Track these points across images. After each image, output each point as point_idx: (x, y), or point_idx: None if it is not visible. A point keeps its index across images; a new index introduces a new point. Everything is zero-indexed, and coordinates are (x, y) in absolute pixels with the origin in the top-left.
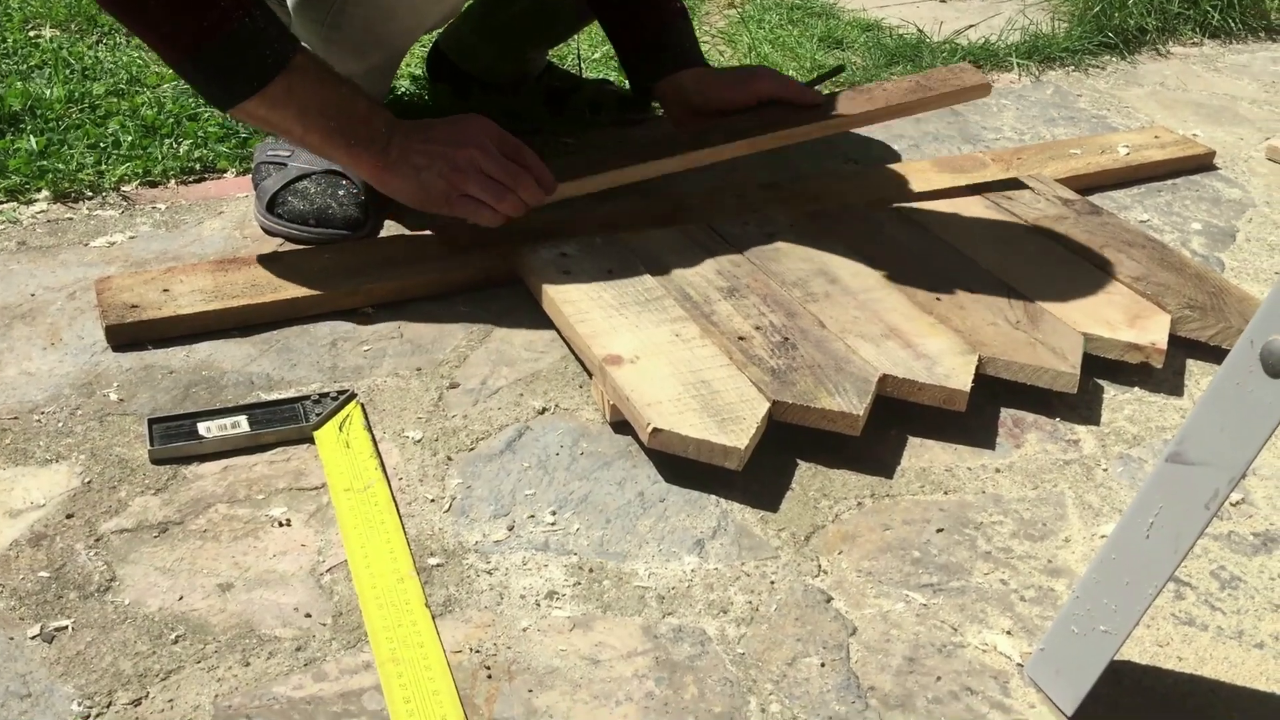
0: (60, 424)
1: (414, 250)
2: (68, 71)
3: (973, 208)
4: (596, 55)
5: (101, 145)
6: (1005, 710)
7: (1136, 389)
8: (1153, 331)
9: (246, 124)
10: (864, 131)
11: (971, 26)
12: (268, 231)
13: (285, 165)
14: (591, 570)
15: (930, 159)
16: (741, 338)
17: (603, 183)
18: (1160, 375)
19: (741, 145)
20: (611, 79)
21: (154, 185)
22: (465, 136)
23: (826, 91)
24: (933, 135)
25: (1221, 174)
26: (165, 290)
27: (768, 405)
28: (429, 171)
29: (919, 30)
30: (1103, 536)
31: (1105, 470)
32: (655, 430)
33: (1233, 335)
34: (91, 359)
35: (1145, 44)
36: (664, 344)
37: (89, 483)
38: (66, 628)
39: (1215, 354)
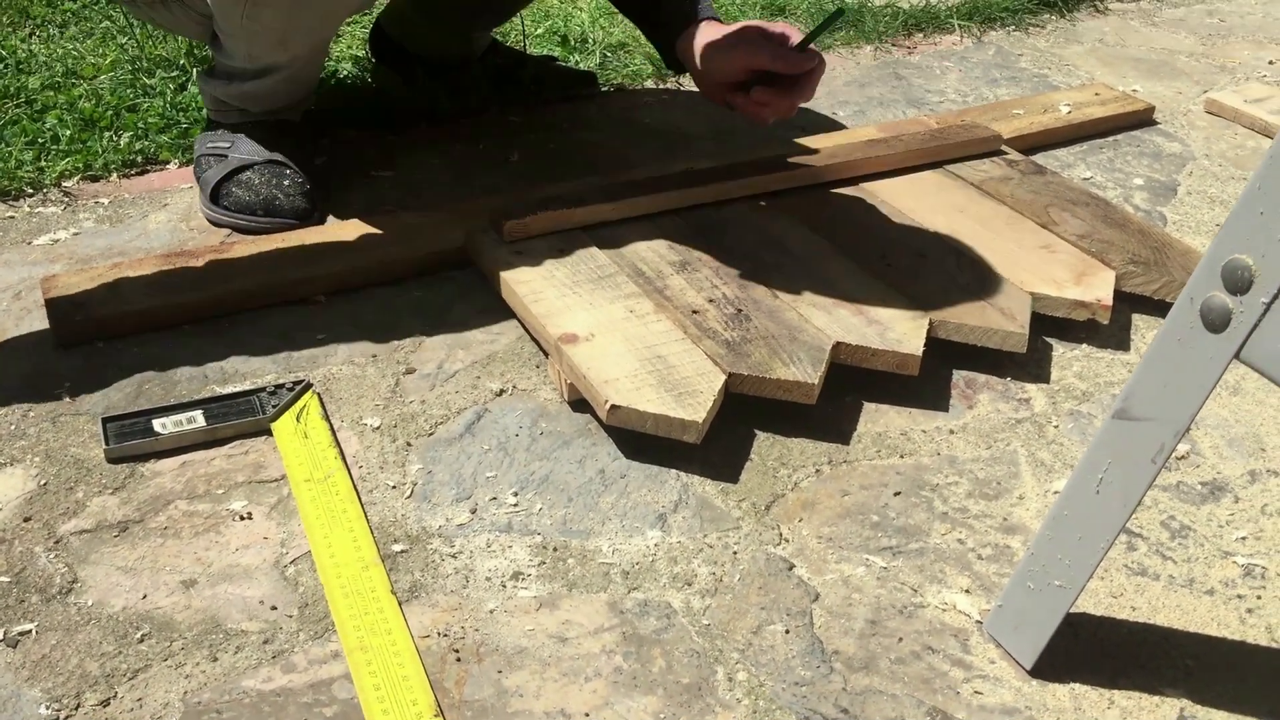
0: (13, 426)
1: (364, 236)
2: (1, 66)
3: (920, 172)
4: (539, 31)
5: (40, 141)
6: (966, 667)
7: (1084, 345)
8: (1098, 288)
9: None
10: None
11: None
12: (214, 223)
13: (226, 156)
14: (555, 549)
15: (875, 124)
16: (695, 311)
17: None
18: (1107, 331)
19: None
20: (556, 55)
21: (95, 180)
22: None
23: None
24: (877, 100)
25: (1162, 128)
26: (112, 286)
27: (724, 378)
28: None
29: None
30: (1056, 492)
31: (1056, 427)
32: (613, 407)
33: (1176, 289)
34: (41, 359)
35: (1084, 1)
36: (619, 320)
37: (45, 485)
38: (30, 631)
39: (1160, 308)
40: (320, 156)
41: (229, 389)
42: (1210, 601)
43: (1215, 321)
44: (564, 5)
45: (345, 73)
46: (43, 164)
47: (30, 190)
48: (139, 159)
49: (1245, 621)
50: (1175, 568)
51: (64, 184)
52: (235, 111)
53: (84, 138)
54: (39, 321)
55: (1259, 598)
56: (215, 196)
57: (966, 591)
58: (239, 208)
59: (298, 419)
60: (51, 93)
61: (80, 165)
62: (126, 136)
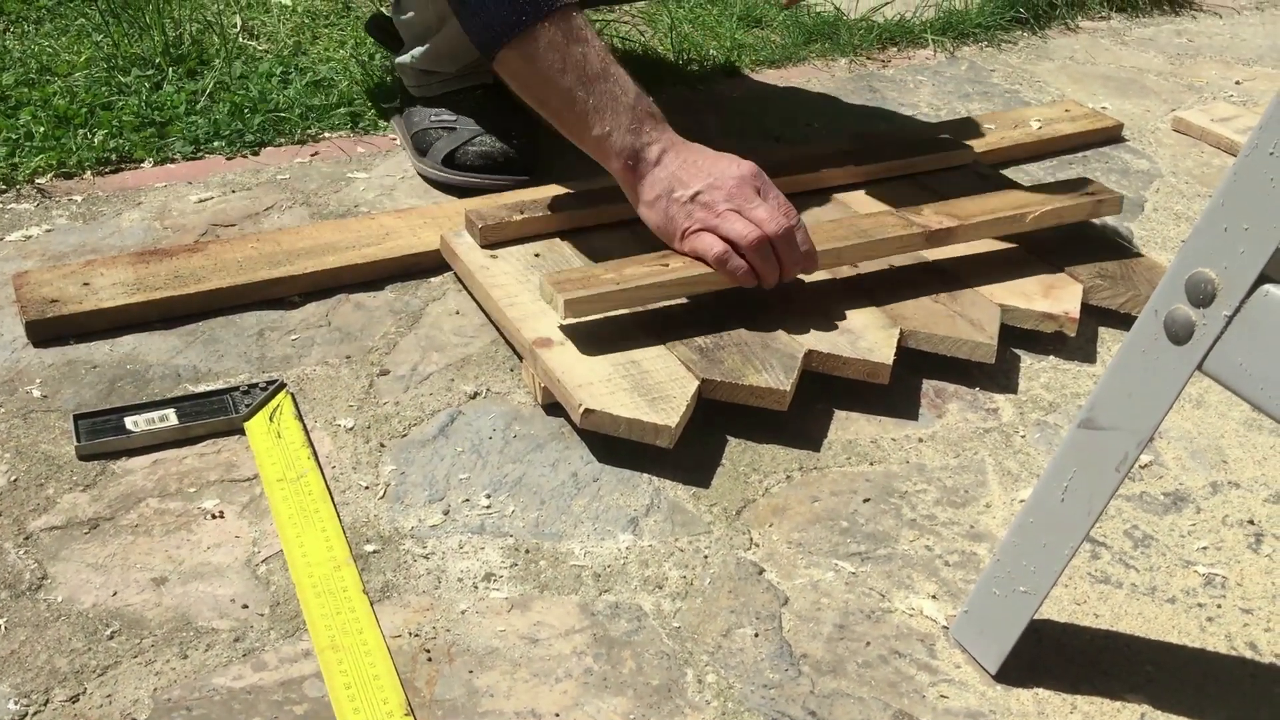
0: None
1: (340, 237)
2: None
3: (893, 183)
4: None
5: (13, 137)
6: (932, 671)
7: (1052, 357)
8: (1066, 301)
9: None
10: (779, 109)
11: (888, 3)
12: (446, 184)
13: (455, 129)
14: (528, 551)
15: (850, 136)
16: (669, 317)
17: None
18: (1074, 343)
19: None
20: None
21: (69, 177)
22: (740, 173)
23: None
24: (851, 114)
25: (1130, 145)
26: (86, 284)
27: (697, 383)
28: (683, 193)
29: (836, 7)
30: (1022, 501)
31: (1023, 437)
32: (587, 411)
33: (1142, 303)
34: (12, 355)
35: (1055, 18)
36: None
37: (15, 481)
38: None
39: (1126, 321)
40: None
41: (202, 388)
42: (1171, 610)
43: (1178, 333)
44: None
45: (321, 75)
46: (16, 160)
47: (3, 186)
48: (113, 157)
49: (1205, 630)
50: (1138, 576)
51: (37, 181)
52: (436, 82)
53: (58, 135)
54: (11, 318)
55: (1219, 607)
56: (450, 162)
57: (933, 597)
58: (480, 159)
59: (271, 418)
60: (25, 89)
61: (54, 162)
62: (101, 134)
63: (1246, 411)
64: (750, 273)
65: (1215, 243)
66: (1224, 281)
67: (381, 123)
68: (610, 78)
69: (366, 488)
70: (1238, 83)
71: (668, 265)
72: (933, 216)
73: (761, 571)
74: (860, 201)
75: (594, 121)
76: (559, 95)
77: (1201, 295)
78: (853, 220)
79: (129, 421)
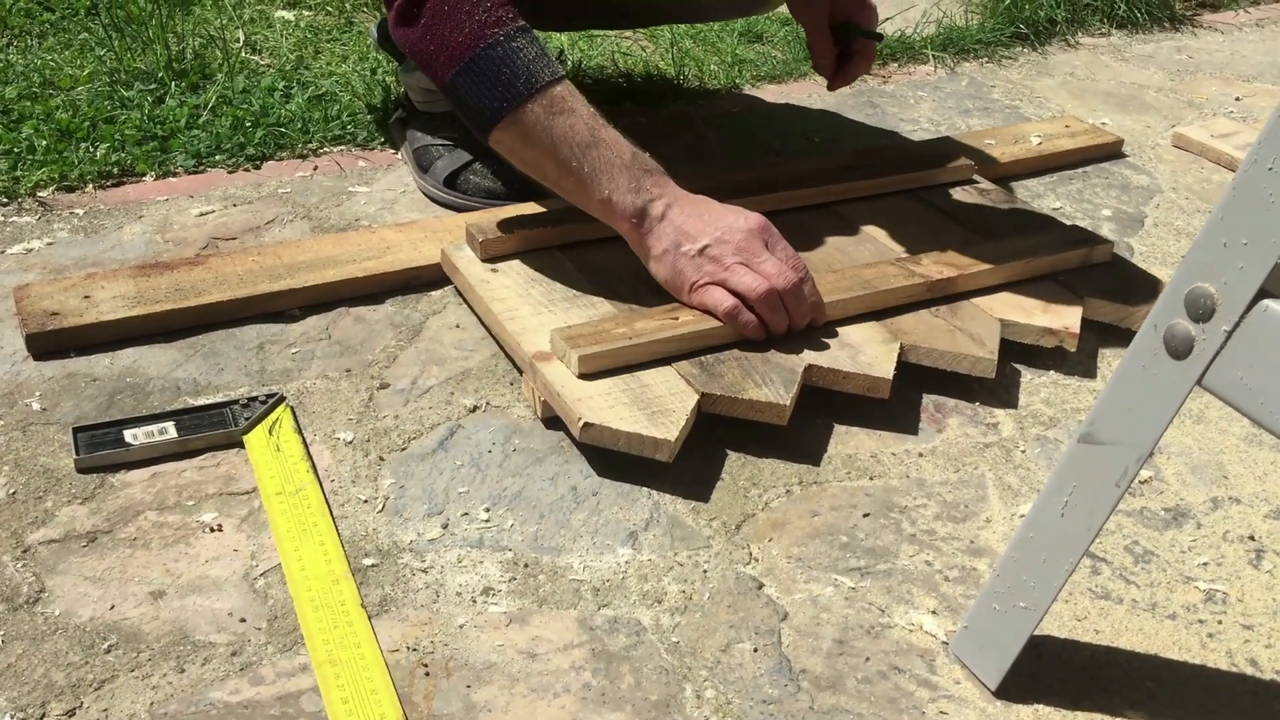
0: None
1: (341, 251)
2: None
3: (892, 199)
4: None
5: (15, 150)
6: (932, 687)
7: (1052, 372)
8: (1066, 316)
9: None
10: (780, 125)
11: (888, 19)
12: (450, 205)
13: (456, 148)
14: (526, 565)
15: (850, 151)
16: None
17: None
18: (1074, 358)
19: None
20: None
21: (71, 190)
22: (748, 227)
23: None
24: (851, 129)
25: (1130, 161)
26: (86, 297)
27: (696, 397)
28: (691, 247)
29: None
30: (1022, 516)
31: (1023, 452)
32: (586, 425)
33: (1141, 318)
34: (12, 368)
35: (1055, 35)
36: None
37: (14, 494)
38: None
39: (1125, 336)
40: None
41: (201, 401)
42: (1172, 626)
43: (1178, 348)
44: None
45: (323, 90)
46: (18, 173)
47: (5, 199)
48: (115, 170)
49: (1206, 646)
50: (1138, 592)
51: (39, 194)
52: (442, 99)
53: (60, 148)
54: (11, 330)
55: (1220, 623)
56: (452, 183)
57: (933, 612)
58: (483, 193)
59: (270, 432)
60: (28, 103)
61: (56, 176)
62: (103, 148)
63: (1247, 427)
64: (759, 326)
65: (1214, 258)
66: (1223, 296)
67: (382, 137)
68: (601, 143)
69: (365, 501)
70: (1237, 99)
71: (677, 319)
72: (932, 267)
73: (761, 586)
74: (860, 217)
75: (593, 188)
76: (555, 168)
77: (1201, 310)
78: (855, 270)
79: (128, 434)
